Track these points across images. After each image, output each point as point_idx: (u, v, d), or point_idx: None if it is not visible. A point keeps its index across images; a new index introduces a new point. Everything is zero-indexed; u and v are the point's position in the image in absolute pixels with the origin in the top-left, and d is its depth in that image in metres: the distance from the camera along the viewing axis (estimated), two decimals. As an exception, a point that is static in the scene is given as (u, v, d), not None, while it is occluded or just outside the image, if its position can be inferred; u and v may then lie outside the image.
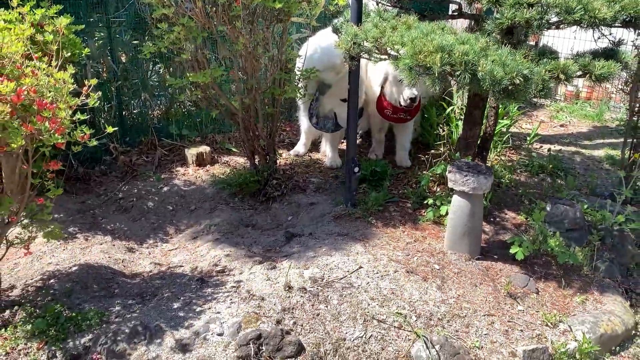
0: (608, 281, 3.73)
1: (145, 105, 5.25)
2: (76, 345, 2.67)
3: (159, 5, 3.40)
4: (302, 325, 2.83)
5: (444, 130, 5.16)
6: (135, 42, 4.99)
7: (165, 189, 4.57)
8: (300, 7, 3.71)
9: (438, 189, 4.44)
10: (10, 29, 2.66)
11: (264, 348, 2.64)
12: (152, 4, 3.51)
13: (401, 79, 3.61)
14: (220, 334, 2.70)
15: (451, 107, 5.29)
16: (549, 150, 5.52)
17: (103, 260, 3.53)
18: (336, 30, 3.84)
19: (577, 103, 7.82)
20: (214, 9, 3.37)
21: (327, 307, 2.98)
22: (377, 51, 3.52)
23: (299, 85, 4.29)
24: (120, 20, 4.84)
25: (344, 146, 4.94)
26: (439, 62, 2.94)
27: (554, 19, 2.97)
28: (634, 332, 3.45)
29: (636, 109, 4.51)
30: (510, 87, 2.93)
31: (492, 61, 2.89)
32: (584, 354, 3.05)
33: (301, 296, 3.01)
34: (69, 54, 2.83)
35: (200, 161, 4.97)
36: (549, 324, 3.21)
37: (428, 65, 2.99)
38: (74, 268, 3.32)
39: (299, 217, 4.24)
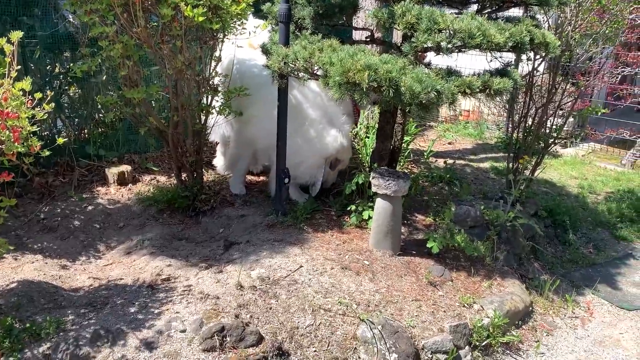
0: (507, 269, 4.34)
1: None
2: (35, 355, 2.67)
3: (98, 24, 3.50)
4: (258, 318, 3.05)
5: (355, 148, 5.64)
6: (47, 62, 4.93)
7: (89, 207, 4.54)
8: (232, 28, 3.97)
9: (357, 198, 4.85)
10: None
11: (227, 339, 2.82)
12: (88, 23, 3.59)
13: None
14: (183, 331, 2.84)
15: (359, 126, 5.79)
16: (445, 162, 6.21)
17: (39, 277, 3.47)
18: (266, 51, 4.16)
19: (460, 124, 8.78)
20: (157, 29, 3.55)
21: (277, 301, 3.23)
22: (305, 71, 3.89)
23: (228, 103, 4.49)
24: (35, 41, 4.77)
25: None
26: (367, 79, 3.36)
27: (459, 43, 3.54)
28: (530, 308, 4.07)
29: (510, 127, 5.31)
30: (425, 101, 3.42)
31: (411, 78, 3.37)
32: (496, 327, 3.57)
33: (252, 293, 3.23)
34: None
35: (122, 180, 4.97)
36: (465, 305, 3.71)
37: (357, 81, 3.40)
38: (14, 284, 3.25)
39: (230, 229, 4.42)
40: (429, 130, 8.44)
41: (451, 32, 3.45)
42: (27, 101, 2.66)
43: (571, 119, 8.24)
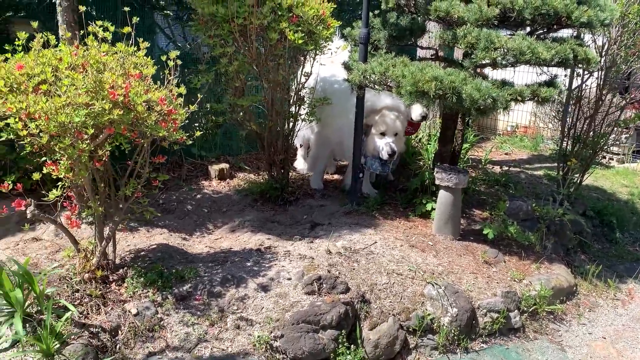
0: (554, 256, 4.95)
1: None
2: (180, 291, 3.56)
3: (219, 45, 4.46)
4: (345, 275, 3.84)
5: (419, 152, 6.39)
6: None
7: (198, 196, 5.49)
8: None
9: (421, 194, 5.59)
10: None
11: (323, 286, 3.63)
12: (211, 44, 4.57)
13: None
14: (289, 279, 3.67)
15: (422, 134, 6.55)
16: (500, 167, 6.85)
17: (169, 243, 4.41)
18: (347, 67, 5.01)
19: (516, 137, 9.35)
20: (264, 49, 4.48)
21: (358, 264, 4.01)
22: (380, 83, 4.71)
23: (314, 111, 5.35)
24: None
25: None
26: (434, 87, 4.14)
27: (512, 59, 4.26)
28: (574, 288, 4.66)
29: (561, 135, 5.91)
30: (482, 107, 4.16)
31: (471, 87, 4.11)
32: (542, 297, 4.20)
33: (339, 257, 4.03)
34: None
35: (222, 175, 5.93)
36: (516, 279, 4.36)
37: (425, 90, 4.18)
38: (154, 246, 4.20)
39: (313, 215, 5.25)
40: (487, 142, 9.06)
41: (505, 50, 4.18)
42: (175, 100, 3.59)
43: (626, 135, 8.66)
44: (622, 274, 5.18)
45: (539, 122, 9.61)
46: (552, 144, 8.97)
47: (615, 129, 6.42)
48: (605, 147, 6.33)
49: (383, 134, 5.30)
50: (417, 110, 5.39)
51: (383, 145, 5.26)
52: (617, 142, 7.79)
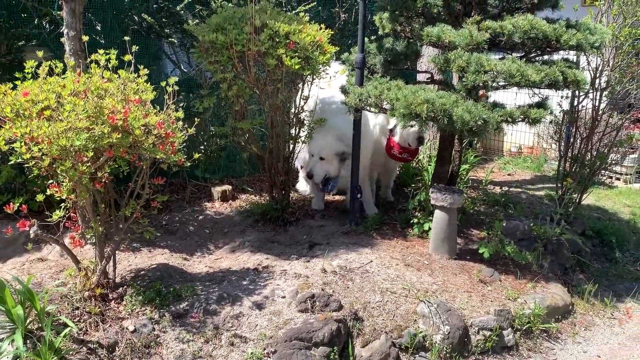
0: (551, 275, 4.98)
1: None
2: (177, 309, 3.66)
3: (219, 71, 4.64)
4: (338, 293, 3.92)
5: (419, 173, 6.49)
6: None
7: (200, 217, 5.62)
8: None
9: (418, 214, 5.67)
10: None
11: (316, 304, 3.71)
12: (211, 70, 4.74)
13: (412, 124, 4.75)
14: (284, 297, 3.76)
15: (423, 155, 6.66)
16: (501, 188, 6.91)
17: (169, 263, 4.53)
18: (344, 91, 5.15)
19: (520, 158, 9.42)
20: (263, 74, 4.65)
21: (353, 283, 4.09)
22: (376, 105, 4.84)
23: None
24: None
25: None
26: (426, 110, 4.25)
27: (502, 82, 4.38)
28: (570, 307, 4.68)
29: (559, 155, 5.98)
30: (474, 128, 4.26)
31: (462, 109, 4.22)
32: (536, 316, 4.24)
33: (334, 276, 4.12)
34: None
35: (224, 197, 6.06)
36: (510, 298, 4.40)
37: (418, 112, 4.30)
38: (154, 265, 4.31)
39: (312, 235, 5.34)
40: (489, 163, 9.13)
41: (495, 73, 4.30)
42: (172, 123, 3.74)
43: (634, 156, 8.67)
44: (620, 293, 5.19)
45: (543, 143, 9.67)
46: (555, 164, 9.01)
47: (619, 148, 6.48)
48: (604, 167, 6.37)
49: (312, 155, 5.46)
50: (412, 136, 5.52)
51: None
52: (615, 162, 7.79)
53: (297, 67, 4.50)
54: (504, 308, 4.18)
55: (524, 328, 4.18)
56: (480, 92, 4.73)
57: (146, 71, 3.71)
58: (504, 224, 5.27)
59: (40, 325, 3.24)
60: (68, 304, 3.53)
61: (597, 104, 5.72)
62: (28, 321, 3.22)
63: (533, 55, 4.98)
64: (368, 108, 4.94)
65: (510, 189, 7.20)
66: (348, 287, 4.03)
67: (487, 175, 7.33)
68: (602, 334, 4.48)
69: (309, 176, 5.46)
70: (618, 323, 4.68)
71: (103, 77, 3.57)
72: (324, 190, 5.69)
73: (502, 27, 4.45)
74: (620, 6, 5.51)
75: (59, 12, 5.03)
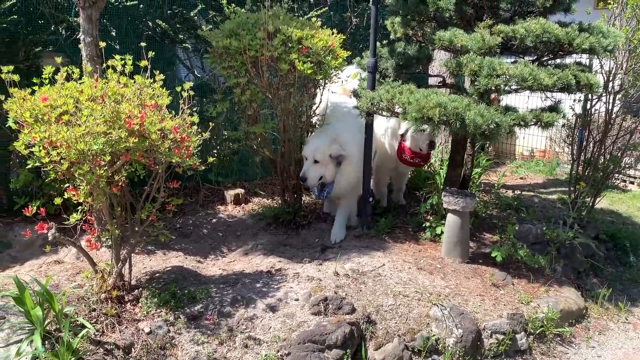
0: (564, 279, 4.96)
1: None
2: (192, 311, 3.70)
3: (232, 76, 4.69)
4: (351, 296, 3.94)
5: (431, 177, 6.49)
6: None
7: (214, 220, 5.67)
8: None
9: (430, 217, 5.67)
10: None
11: (329, 307, 3.73)
12: (225, 76, 4.80)
13: (423, 128, 4.67)
14: (297, 300, 3.79)
15: (435, 159, 6.67)
16: (513, 192, 6.90)
17: (184, 266, 4.57)
18: (356, 95, 5.18)
19: (532, 161, 9.38)
20: (276, 79, 4.70)
21: (365, 286, 4.11)
22: (388, 109, 4.86)
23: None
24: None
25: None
26: (438, 114, 4.27)
27: (514, 85, 4.38)
28: (584, 312, 4.66)
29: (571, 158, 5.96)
30: (486, 132, 4.27)
31: (474, 113, 4.23)
32: (549, 320, 4.23)
33: (346, 279, 4.14)
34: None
35: (237, 200, 6.11)
36: (523, 302, 4.39)
37: (430, 116, 4.31)
38: (169, 268, 4.36)
39: (324, 239, 5.36)
40: (502, 167, 9.11)
41: (507, 77, 4.30)
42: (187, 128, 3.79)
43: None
44: (635, 297, 5.15)
45: (554, 146, 9.62)
46: (568, 168, 8.96)
47: (633, 152, 6.43)
48: (617, 170, 6.34)
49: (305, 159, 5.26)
50: (423, 140, 5.48)
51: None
52: (628, 166, 7.71)
53: (309, 71, 4.54)
54: (517, 312, 4.17)
55: (537, 332, 4.18)
56: (492, 96, 4.74)
57: (162, 76, 3.76)
58: (517, 228, 5.26)
59: (58, 326, 3.30)
60: (85, 305, 3.58)
61: (610, 107, 5.70)
62: (46, 322, 3.28)
63: (545, 58, 4.98)
64: (380, 112, 4.96)
65: (523, 193, 7.17)
66: (361, 290, 4.05)
67: (499, 179, 7.31)
68: (616, 339, 4.46)
69: (302, 180, 5.13)
70: (633, 327, 4.65)
71: (119, 83, 3.63)
72: (319, 197, 5.45)
73: (514, 31, 4.45)
74: (633, 9, 5.49)
75: (75, 19, 5.12)
